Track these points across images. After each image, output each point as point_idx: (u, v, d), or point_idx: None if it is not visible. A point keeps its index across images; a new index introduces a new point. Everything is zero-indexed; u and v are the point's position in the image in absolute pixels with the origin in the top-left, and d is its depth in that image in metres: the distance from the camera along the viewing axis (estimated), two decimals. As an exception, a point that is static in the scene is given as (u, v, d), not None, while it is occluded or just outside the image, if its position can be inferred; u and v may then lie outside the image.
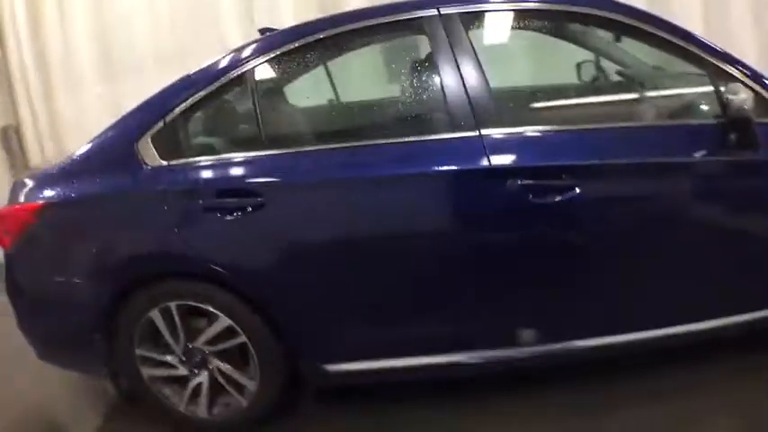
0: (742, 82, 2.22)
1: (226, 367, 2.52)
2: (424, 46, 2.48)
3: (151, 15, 5.39)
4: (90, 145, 2.57)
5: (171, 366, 2.55)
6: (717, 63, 2.28)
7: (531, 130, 2.31)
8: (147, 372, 2.57)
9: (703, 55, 2.29)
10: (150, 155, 2.43)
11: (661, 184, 2.28)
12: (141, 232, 2.46)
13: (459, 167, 2.25)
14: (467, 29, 2.35)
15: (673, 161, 2.27)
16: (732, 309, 2.40)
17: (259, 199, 2.31)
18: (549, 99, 2.82)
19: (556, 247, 2.31)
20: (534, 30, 2.61)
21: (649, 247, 2.31)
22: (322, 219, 2.34)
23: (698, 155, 2.27)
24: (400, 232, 2.32)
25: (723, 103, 2.19)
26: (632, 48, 2.61)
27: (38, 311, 2.66)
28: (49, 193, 2.54)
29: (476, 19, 2.43)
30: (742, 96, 2.12)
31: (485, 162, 2.21)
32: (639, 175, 2.28)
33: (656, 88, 2.71)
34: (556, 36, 2.75)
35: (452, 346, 2.42)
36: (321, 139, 2.65)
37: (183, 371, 2.55)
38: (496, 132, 2.25)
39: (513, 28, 2.51)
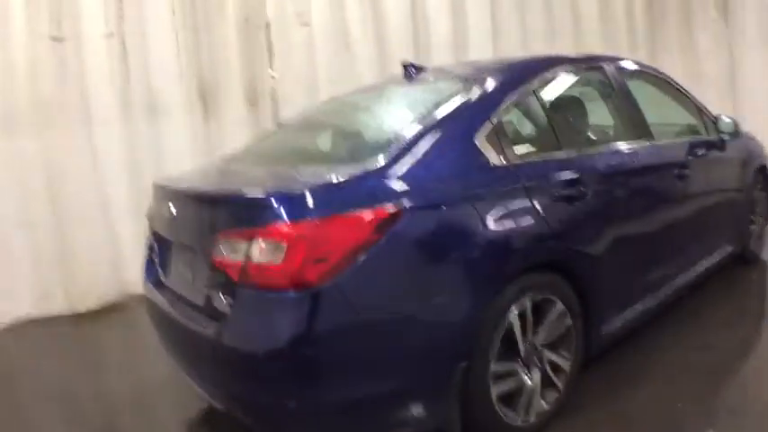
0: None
1: (558, 355, 2.50)
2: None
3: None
4: (404, 147, 2.21)
5: (515, 375, 2.36)
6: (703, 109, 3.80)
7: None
8: (496, 391, 2.28)
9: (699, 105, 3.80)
10: (491, 154, 2.36)
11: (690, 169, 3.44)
12: (516, 226, 2.31)
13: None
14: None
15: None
16: (718, 248, 3.80)
17: (583, 189, 2.58)
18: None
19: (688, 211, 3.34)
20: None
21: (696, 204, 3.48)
22: (617, 201, 2.82)
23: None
24: (651, 205, 3.05)
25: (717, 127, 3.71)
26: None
27: (360, 362, 2.01)
28: (383, 197, 2.02)
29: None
30: (728, 121, 3.69)
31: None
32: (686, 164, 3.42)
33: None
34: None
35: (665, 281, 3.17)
36: (592, 142, 3.08)
37: (525, 376, 2.39)
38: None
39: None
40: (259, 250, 1.93)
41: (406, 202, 2.03)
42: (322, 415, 2.02)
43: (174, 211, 2.43)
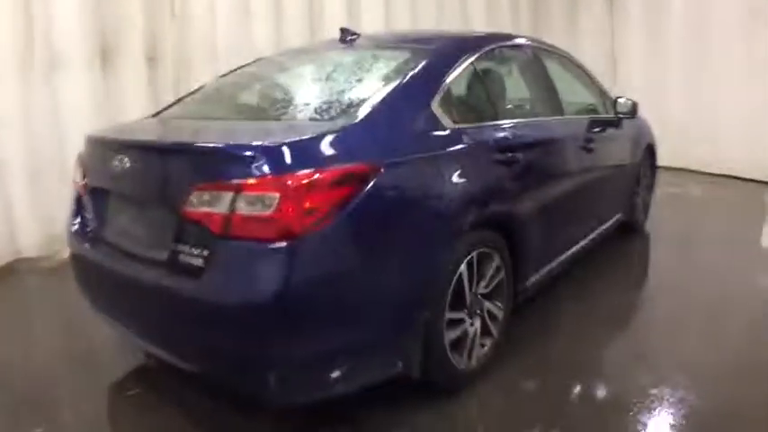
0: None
1: (494, 305, 2.71)
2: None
3: None
4: (375, 108, 2.29)
5: (462, 323, 2.53)
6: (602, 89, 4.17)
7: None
8: (448, 338, 2.44)
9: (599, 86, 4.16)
10: (445, 119, 2.50)
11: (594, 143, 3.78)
12: (469, 185, 2.46)
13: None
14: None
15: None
16: (612, 215, 4.22)
17: (517, 155, 2.80)
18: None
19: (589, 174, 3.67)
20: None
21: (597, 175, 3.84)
22: (540, 168, 3.07)
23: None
24: (564, 174, 3.36)
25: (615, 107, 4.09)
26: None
27: (341, 312, 2.08)
28: (362, 154, 2.10)
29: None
30: (625, 102, 4.06)
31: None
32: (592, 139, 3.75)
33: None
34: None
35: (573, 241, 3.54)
36: (519, 114, 3.36)
37: (469, 324, 2.57)
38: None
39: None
40: (247, 202, 1.92)
41: (383, 159, 2.12)
42: (304, 364, 2.05)
43: (124, 163, 2.32)
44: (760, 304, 3.53)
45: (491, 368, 2.71)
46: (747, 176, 6.51)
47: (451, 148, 2.45)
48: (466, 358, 2.57)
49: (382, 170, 2.10)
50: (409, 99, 2.42)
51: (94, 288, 2.66)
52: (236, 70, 3.37)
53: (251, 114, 2.84)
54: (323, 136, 2.08)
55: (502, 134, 2.81)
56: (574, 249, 3.58)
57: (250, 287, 1.92)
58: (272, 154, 1.94)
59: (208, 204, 1.99)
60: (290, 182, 1.90)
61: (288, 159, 1.94)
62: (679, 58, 7.25)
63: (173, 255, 2.12)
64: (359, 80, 2.66)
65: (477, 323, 2.62)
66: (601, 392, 2.63)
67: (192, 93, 3.24)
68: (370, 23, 6.29)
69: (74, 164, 2.79)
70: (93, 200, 2.61)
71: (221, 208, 1.95)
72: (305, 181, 1.92)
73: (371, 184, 2.06)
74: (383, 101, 2.34)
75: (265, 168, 1.91)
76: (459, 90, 2.76)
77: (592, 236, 3.85)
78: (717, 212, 5.80)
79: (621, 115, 4.10)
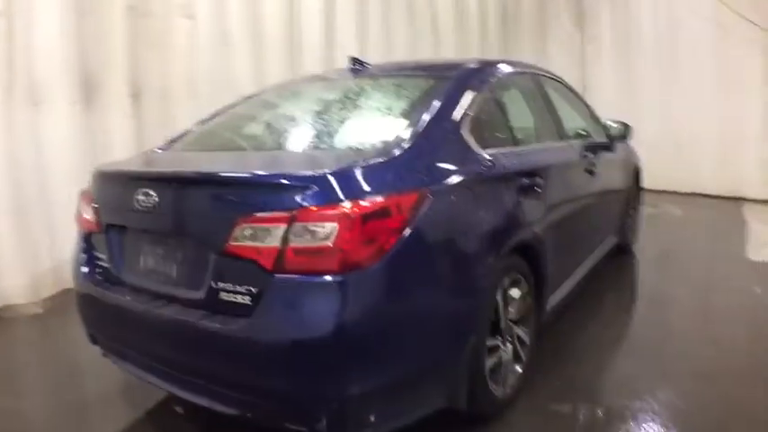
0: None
1: (522, 330, 2.69)
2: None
3: None
4: (416, 136, 2.27)
5: (497, 350, 2.51)
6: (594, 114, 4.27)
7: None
8: (489, 364, 2.42)
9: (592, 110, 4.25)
10: (474, 145, 2.49)
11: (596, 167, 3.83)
12: (504, 211, 2.50)
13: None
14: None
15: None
16: (608, 237, 4.30)
17: (539, 179, 2.82)
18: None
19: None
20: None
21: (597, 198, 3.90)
22: (556, 192, 3.05)
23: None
24: (573, 197, 3.39)
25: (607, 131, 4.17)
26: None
27: (399, 345, 2.04)
28: (412, 182, 2.08)
29: None
30: (617, 126, 4.16)
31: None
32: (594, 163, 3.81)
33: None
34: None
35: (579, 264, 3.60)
36: (534, 140, 3.31)
37: (503, 351, 2.55)
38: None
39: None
40: (302, 233, 1.85)
41: (430, 187, 2.11)
42: (360, 401, 1.97)
43: (150, 197, 2.20)
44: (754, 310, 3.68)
45: (522, 395, 2.68)
46: (721, 194, 6.75)
47: (485, 174, 2.45)
48: (502, 385, 2.54)
49: (430, 197, 2.08)
50: (443, 126, 2.41)
51: (110, 332, 2.52)
52: (247, 100, 3.32)
53: (280, 144, 2.75)
54: (375, 164, 2.06)
55: (525, 159, 2.84)
56: (581, 274, 3.61)
57: (309, 323, 1.85)
58: (328, 182, 1.89)
59: (256, 238, 1.91)
60: (349, 210, 1.84)
61: (344, 188, 1.89)
62: (650, 80, 7.52)
63: (211, 294, 2.03)
64: (388, 108, 2.65)
65: (509, 349, 2.60)
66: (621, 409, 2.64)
67: (202, 123, 3.16)
68: (349, 48, 6.32)
69: (80, 199, 2.66)
70: (109, 238, 2.47)
71: (273, 241, 1.88)
72: (364, 210, 1.87)
73: (422, 212, 2.04)
74: (422, 128, 2.32)
75: (321, 197, 1.86)
76: (482, 116, 2.76)
77: (595, 259, 3.90)
78: (698, 230, 6.00)
79: (614, 139, 4.18)
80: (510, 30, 8.42)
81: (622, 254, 4.80)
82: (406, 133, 2.28)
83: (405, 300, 2.02)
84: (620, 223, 4.61)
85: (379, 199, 1.92)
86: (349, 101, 2.83)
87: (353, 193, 1.89)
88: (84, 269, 2.57)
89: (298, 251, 1.86)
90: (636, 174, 4.94)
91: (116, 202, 2.42)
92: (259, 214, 1.91)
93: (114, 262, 2.44)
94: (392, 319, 1.99)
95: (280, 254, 1.87)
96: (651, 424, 2.48)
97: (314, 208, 1.85)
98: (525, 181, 2.71)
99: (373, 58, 4.06)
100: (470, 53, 7.76)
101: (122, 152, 4.54)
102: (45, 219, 4.27)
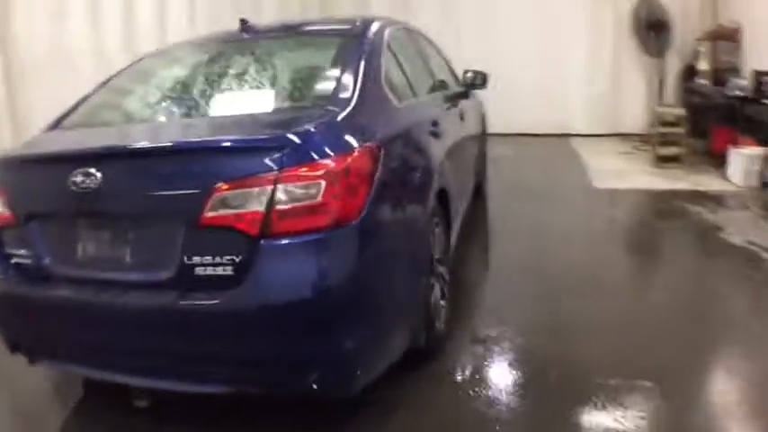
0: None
1: (443, 269, 2.92)
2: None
3: None
4: (358, 92, 2.31)
5: (433, 287, 2.67)
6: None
7: None
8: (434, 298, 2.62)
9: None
10: (392, 98, 2.60)
11: (465, 114, 4.11)
12: (429, 157, 2.68)
13: None
14: None
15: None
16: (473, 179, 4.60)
17: (439, 128, 3.00)
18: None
19: None
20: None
21: (466, 142, 4.22)
22: (450, 136, 3.31)
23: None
24: (455, 143, 3.54)
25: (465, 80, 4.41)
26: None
27: (388, 291, 2.17)
28: (369, 135, 2.13)
29: None
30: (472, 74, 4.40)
31: None
32: (463, 110, 4.09)
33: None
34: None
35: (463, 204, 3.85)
36: (423, 90, 3.40)
37: (438, 289, 2.76)
38: None
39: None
40: (287, 194, 1.83)
41: (380, 139, 2.18)
42: (356, 352, 2.00)
43: (90, 178, 1.99)
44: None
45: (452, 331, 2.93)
46: (545, 132, 7.55)
47: (408, 124, 2.58)
48: (437, 320, 2.73)
49: (383, 149, 2.16)
50: (369, 81, 2.47)
51: (43, 334, 2.27)
52: (134, 67, 3.09)
53: (212, 109, 2.59)
54: (340, 120, 2.10)
55: (426, 110, 3.01)
56: (463, 212, 3.90)
57: (307, 283, 1.86)
58: (308, 141, 1.90)
59: (236, 205, 1.85)
60: (333, 166, 1.87)
61: (323, 144, 1.91)
62: (473, 25, 7.97)
63: (183, 271, 1.93)
64: (310, 67, 2.68)
65: (438, 287, 2.80)
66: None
67: (87, 98, 2.85)
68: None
69: None
70: (29, 230, 2.20)
71: (256, 206, 1.84)
72: (345, 164, 1.91)
73: (381, 162, 2.11)
74: (359, 85, 2.35)
75: (302, 156, 1.86)
76: (391, 71, 2.86)
77: (469, 198, 4.24)
78: (539, 166, 6.78)
79: (471, 87, 4.49)
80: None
81: (478, 193, 5.21)
82: (345, 91, 2.31)
83: (384, 248, 2.11)
84: (477, 166, 5.00)
85: (355, 153, 1.97)
86: (266, 61, 2.77)
87: (332, 148, 1.91)
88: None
89: (284, 213, 1.84)
90: (483, 118, 5.36)
91: (39, 189, 2.17)
92: (238, 180, 1.85)
93: (40, 256, 2.19)
94: (378, 269, 2.07)
95: (265, 218, 1.84)
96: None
97: (298, 167, 1.84)
98: (433, 129, 2.88)
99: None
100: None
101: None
102: None
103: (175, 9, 7.55)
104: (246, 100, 2.55)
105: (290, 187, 1.84)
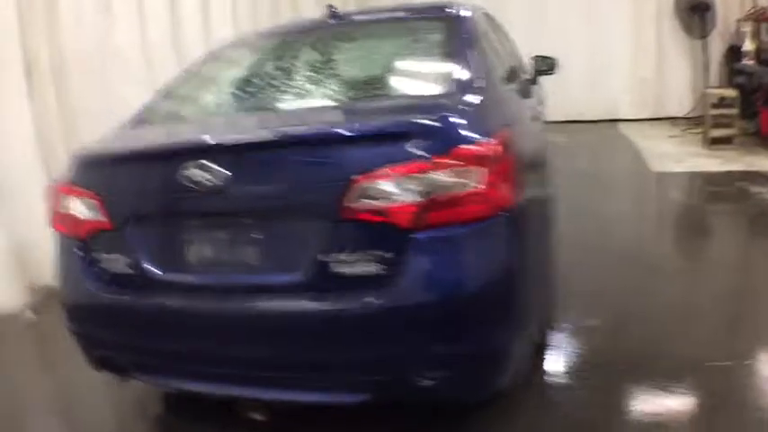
0: None
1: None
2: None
3: None
4: (481, 79, 2.22)
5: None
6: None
7: None
8: None
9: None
10: (501, 83, 2.56)
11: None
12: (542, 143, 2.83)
13: None
14: None
15: None
16: None
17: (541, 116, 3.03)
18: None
19: None
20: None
21: None
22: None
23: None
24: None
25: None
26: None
27: (537, 284, 2.13)
28: (499, 122, 2.04)
29: None
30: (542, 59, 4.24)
31: None
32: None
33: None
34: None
35: None
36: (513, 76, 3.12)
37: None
38: None
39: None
40: (441, 182, 1.69)
41: (509, 123, 2.13)
42: (511, 349, 1.89)
43: (211, 174, 1.82)
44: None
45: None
46: (593, 118, 7.57)
47: (516, 109, 2.55)
48: None
49: (513, 135, 2.07)
50: (484, 66, 2.37)
51: (146, 348, 2.09)
52: (218, 57, 2.97)
53: (330, 97, 2.44)
54: (480, 106, 2.00)
55: (517, 94, 2.85)
56: None
57: (470, 276, 1.75)
58: (455, 127, 1.80)
59: (383, 196, 1.71)
60: (486, 151, 1.76)
61: (470, 130, 1.80)
62: (520, 12, 7.94)
63: (318, 270, 1.78)
64: (419, 53, 2.56)
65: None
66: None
67: (167, 93, 2.70)
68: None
69: (55, 196, 2.16)
70: (128, 235, 2.02)
71: (407, 197, 1.69)
72: (496, 149, 1.81)
73: (513, 150, 1.99)
74: (481, 70, 2.26)
75: (454, 142, 1.74)
76: (490, 55, 2.73)
77: None
78: (593, 152, 6.77)
79: (539, 73, 4.49)
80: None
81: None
82: (470, 76, 2.18)
83: (532, 234, 2.06)
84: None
85: (499, 138, 1.86)
86: (372, 46, 2.71)
87: (480, 134, 1.81)
88: (89, 281, 2.09)
89: (439, 202, 1.70)
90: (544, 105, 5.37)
91: (140, 189, 2.00)
92: (382, 168, 1.71)
93: (143, 263, 2.01)
94: (530, 257, 1.98)
95: (419, 209, 1.70)
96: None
97: (452, 153, 1.72)
98: (536, 113, 2.89)
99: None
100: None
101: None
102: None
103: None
104: (364, 86, 2.46)
105: (444, 175, 1.70)
